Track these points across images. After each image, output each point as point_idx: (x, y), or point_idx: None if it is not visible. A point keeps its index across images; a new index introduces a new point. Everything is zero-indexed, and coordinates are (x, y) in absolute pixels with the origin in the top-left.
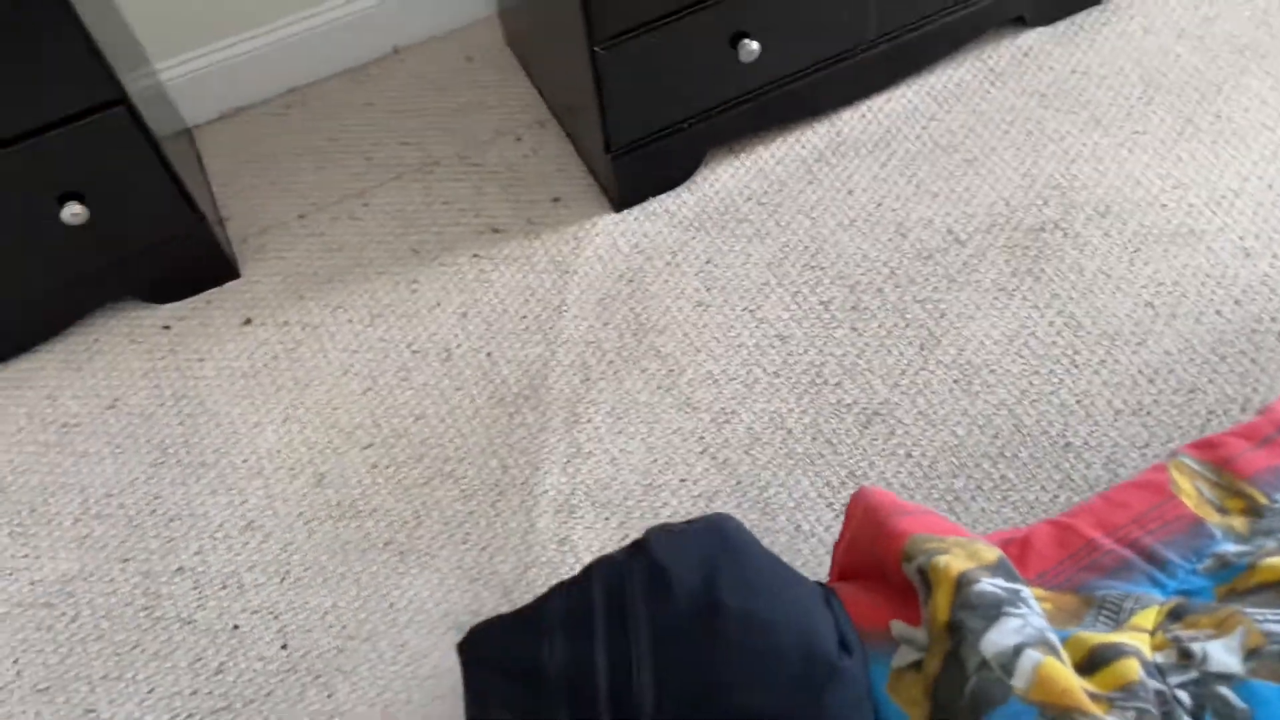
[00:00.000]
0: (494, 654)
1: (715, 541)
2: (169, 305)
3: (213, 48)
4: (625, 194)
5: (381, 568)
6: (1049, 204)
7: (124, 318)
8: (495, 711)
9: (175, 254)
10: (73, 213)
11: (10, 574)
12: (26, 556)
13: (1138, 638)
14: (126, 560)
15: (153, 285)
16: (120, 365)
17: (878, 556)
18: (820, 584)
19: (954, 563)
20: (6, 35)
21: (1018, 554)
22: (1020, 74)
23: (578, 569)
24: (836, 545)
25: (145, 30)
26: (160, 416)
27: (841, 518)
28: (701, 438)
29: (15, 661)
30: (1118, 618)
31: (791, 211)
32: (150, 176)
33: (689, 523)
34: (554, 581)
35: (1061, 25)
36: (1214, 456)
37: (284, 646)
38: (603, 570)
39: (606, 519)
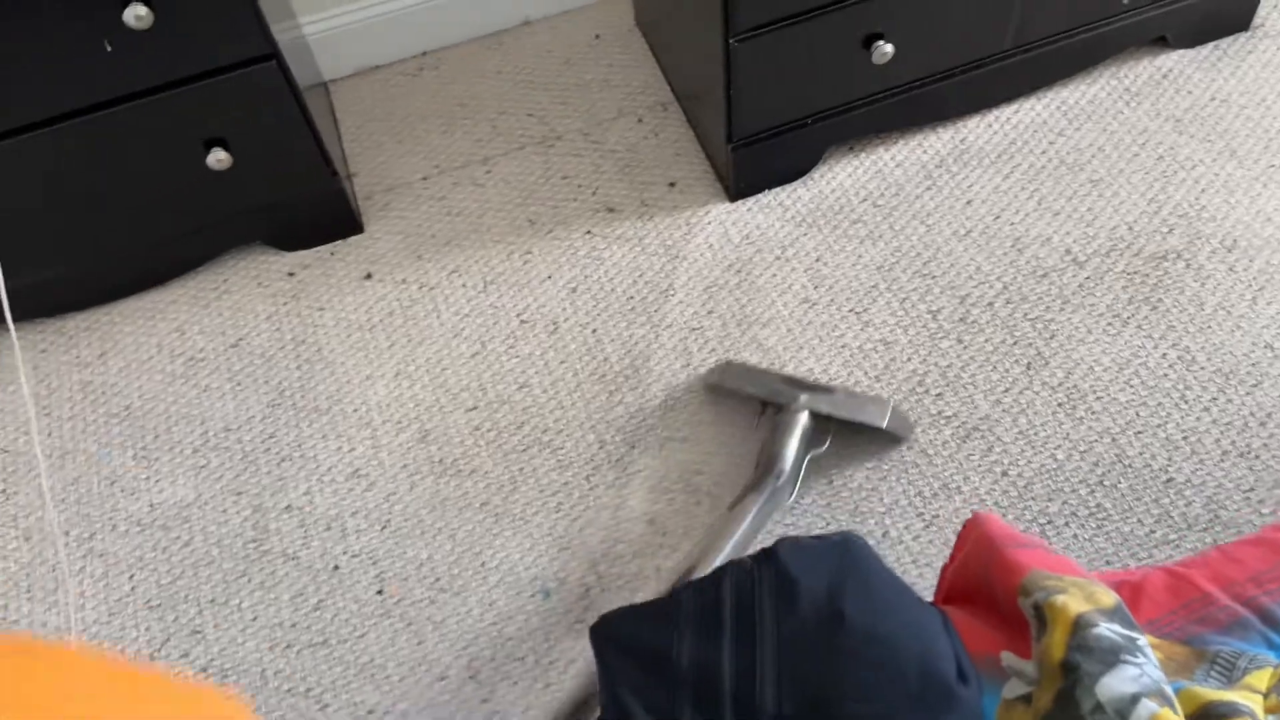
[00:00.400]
0: (627, 640)
1: (842, 557)
2: (295, 253)
3: (356, 6)
4: (741, 184)
5: (477, 527)
6: (1174, 232)
7: (252, 261)
8: (624, 695)
9: (306, 205)
10: (217, 158)
11: (133, 494)
12: (148, 479)
13: (1251, 698)
14: (239, 494)
15: (282, 233)
16: (245, 307)
17: (991, 585)
18: (940, 609)
19: (1071, 603)
20: None
21: (1130, 597)
22: (1157, 96)
23: (664, 549)
24: (946, 567)
25: None
26: (279, 359)
27: (931, 528)
28: None
29: (131, 577)
30: (1230, 675)
31: (906, 216)
32: (292, 130)
33: (818, 537)
34: (640, 558)
35: (1205, 49)
36: None
37: (380, 591)
38: (733, 574)
39: (697, 504)
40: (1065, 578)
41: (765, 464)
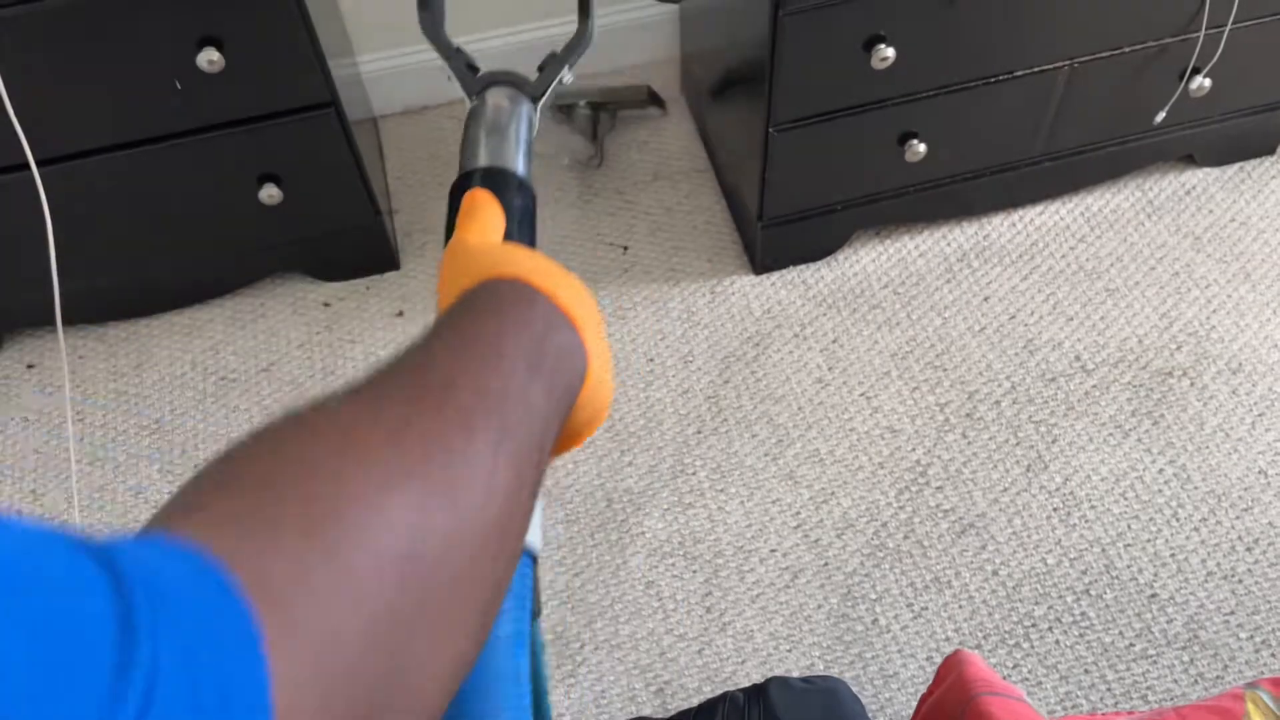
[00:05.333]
0: None
1: (828, 704)
2: (332, 284)
3: (412, 49)
4: (767, 259)
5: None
6: (1182, 349)
7: (291, 288)
8: None
9: (347, 239)
10: (269, 194)
11: (155, 507)
12: (170, 493)
13: None
14: None
15: (321, 264)
16: (280, 332)
17: None
18: None
19: None
20: (246, 29)
21: None
22: (1178, 212)
23: (659, 613)
24: (924, 697)
25: (355, 25)
26: (308, 387)
27: (920, 620)
28: (798, 513)
29: None
30: None
31: (925, 307)
32: (343, 172)
33: (808, 679)
34: (635, 620)
35: (1230, 170)
36: None
37: None
38: (727, 707)
39: (694, 572)
40: None
41: None
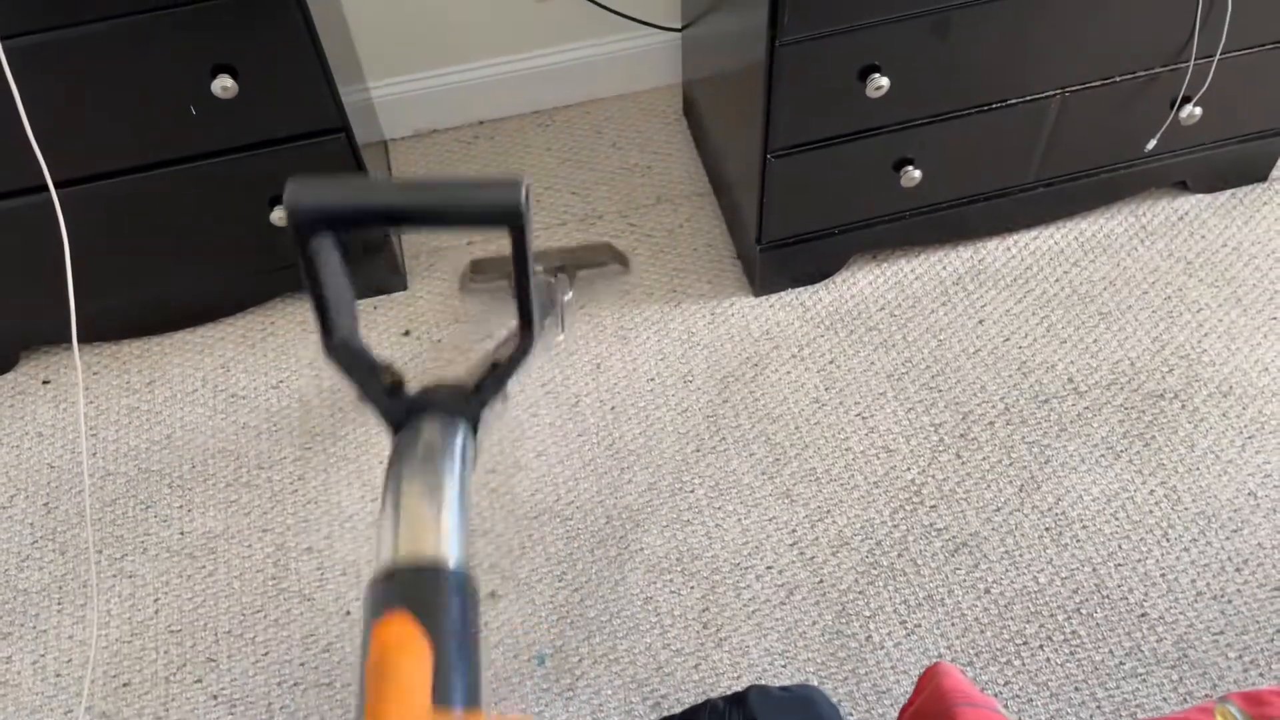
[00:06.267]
0: None
1: (805, 711)
2: None
3: (421, 74)
4: (766, 282)
5: (483, 587)
6: (1173, 372)
7: (300, 308)
8: None
9: (356, 259)
10: (280, 215)
11: (165, 521)
12: (181, 508)
13: None
14: (265, 530)
15: None
16: (289, 351)
17: None
18: None
19: None
20: (259, 57)
21: None
22: (1171, 237)
23: (657, 628)
24: (904, 709)
25: (366, 51)
26: (316, 405)
27: (912, 637)
28: (794, 530)
29: (155, 600)
30: None
31: (920, 329)
32: None
33: (786, 688)
34: (633, 636)
35: (1223, 196)
36: (1259, 714)
37: None
38: (707, 713)
39: (691, 588)
40: None
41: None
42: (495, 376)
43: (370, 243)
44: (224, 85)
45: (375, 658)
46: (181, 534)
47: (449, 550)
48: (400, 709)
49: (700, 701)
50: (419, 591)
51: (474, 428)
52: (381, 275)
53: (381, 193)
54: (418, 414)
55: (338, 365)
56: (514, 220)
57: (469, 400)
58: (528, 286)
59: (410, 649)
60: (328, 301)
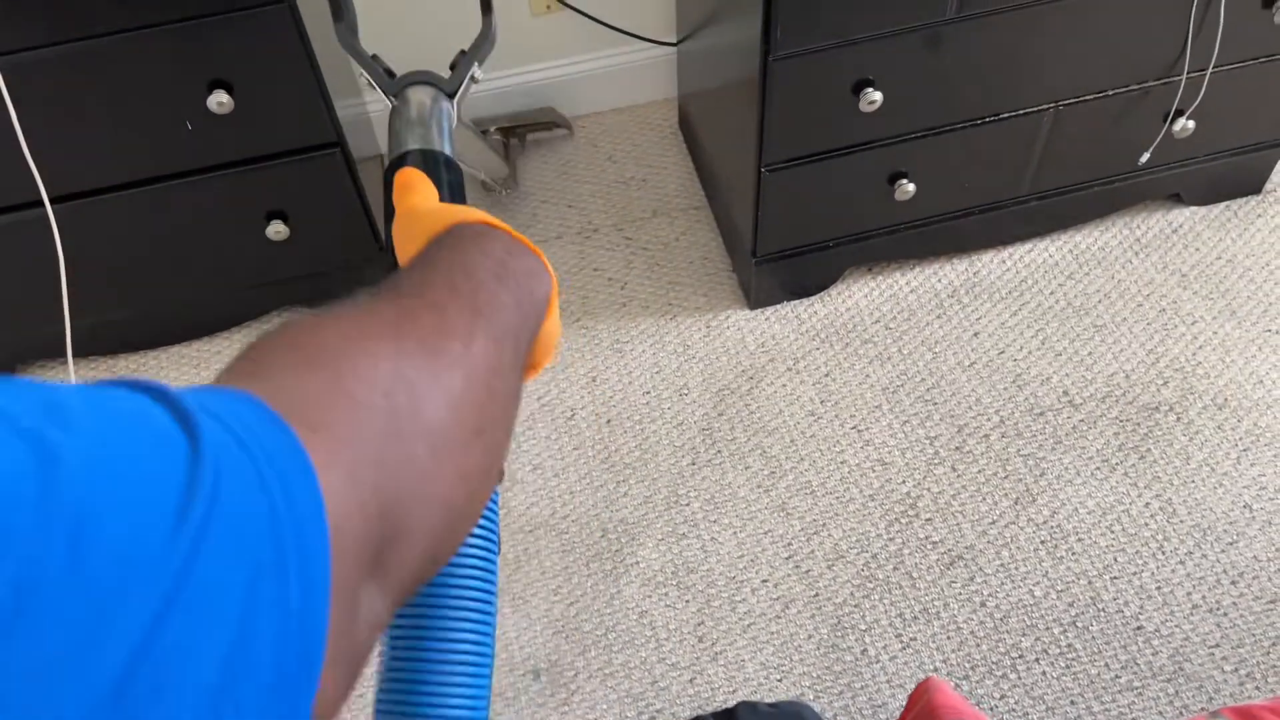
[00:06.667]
0: None
1: None
2: None
3: None
4: (761, 295)
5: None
6: (1168, 385)
7: None
8: None
9: (352, 273)
10: (276, 230)
11: None
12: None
13: None
14: None
15: (325, 297)
16: None
17: None
18: None
19: None
20: (255, 73)
21: None
22: (1165, 250)
23: (652, 642)
24: None
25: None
26: None
27: (908, 650)
28: (789, 544)
29: None
30: None
31: (915, 342)
32: (348, 209)
33: (774, 704)
34: (629, 649)
35: (1216, 209)
36: None
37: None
38: None
39: (687, 602)
40: None
41: None
42: (465, 58)
43: (365, 257)
44: (220, 100)
45: (403, 181)
46: None
47: (443, 147)
48: (420, 197)
49: (691, 718)
50: (426, 161)
51: (451, 99)
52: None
53: None
54: (409, 85)
55: (347, 48)
56: None
57: (448, 78)
58: None
59: (423, 179)
60: None
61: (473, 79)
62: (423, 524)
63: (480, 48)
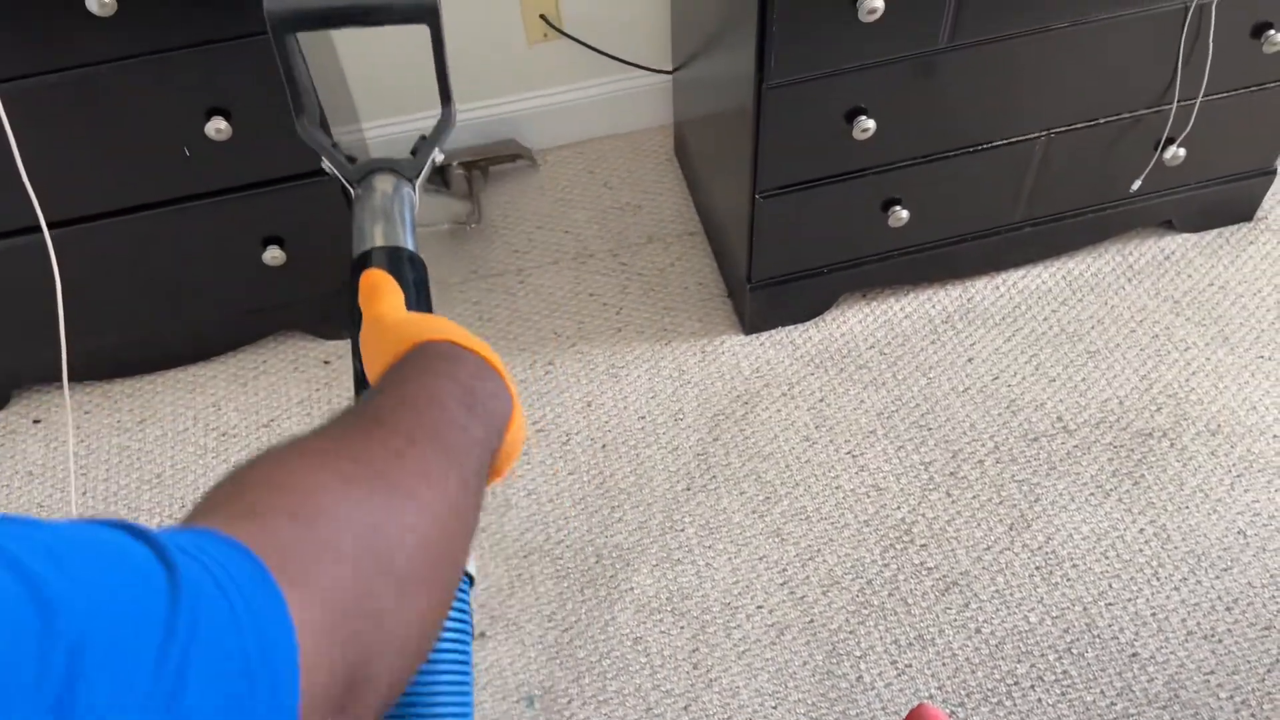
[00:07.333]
0: None
1: None
2: (333, 342)
3: (414, 116)
4: (756, 320)
5: (473, 628)
6: (1162, 411)
7: (292, 346)
8: None
9: (348, 298)
10: (273, 255)
11: None
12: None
13: None
14: None
15: (322, 323)
16: (280, 389)
17: None
18: None
19: None
20: (253, 100)
21: None
22: (1158, 276)
23: (647, 669)
24: None
25: (361, 93)
26: None
27: (903, 677)
28: (784, 569)
29: None
30: None
31: (910, 367)
32: (344, 234)
33: None
34: (622, 676)
35: (1209, 235)
36: None
37: None
38: None
39: (681, 628)
40: None
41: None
42: (426, 144)
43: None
44: (218, 128)
45: (369, 284)
46: None
47: (407, 242)
48: (388, 305)
49: None
50: (390, 260)
51: (413, 184)
52: None
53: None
54: (371, 173)
55: (309, 140)
56: (432, 18)
57: (409, 161)
58: (445, 71)
59: (388, 281)
60: (299, 88)
61: (433, 162)
62: (387, 667)
63: (441, 134)
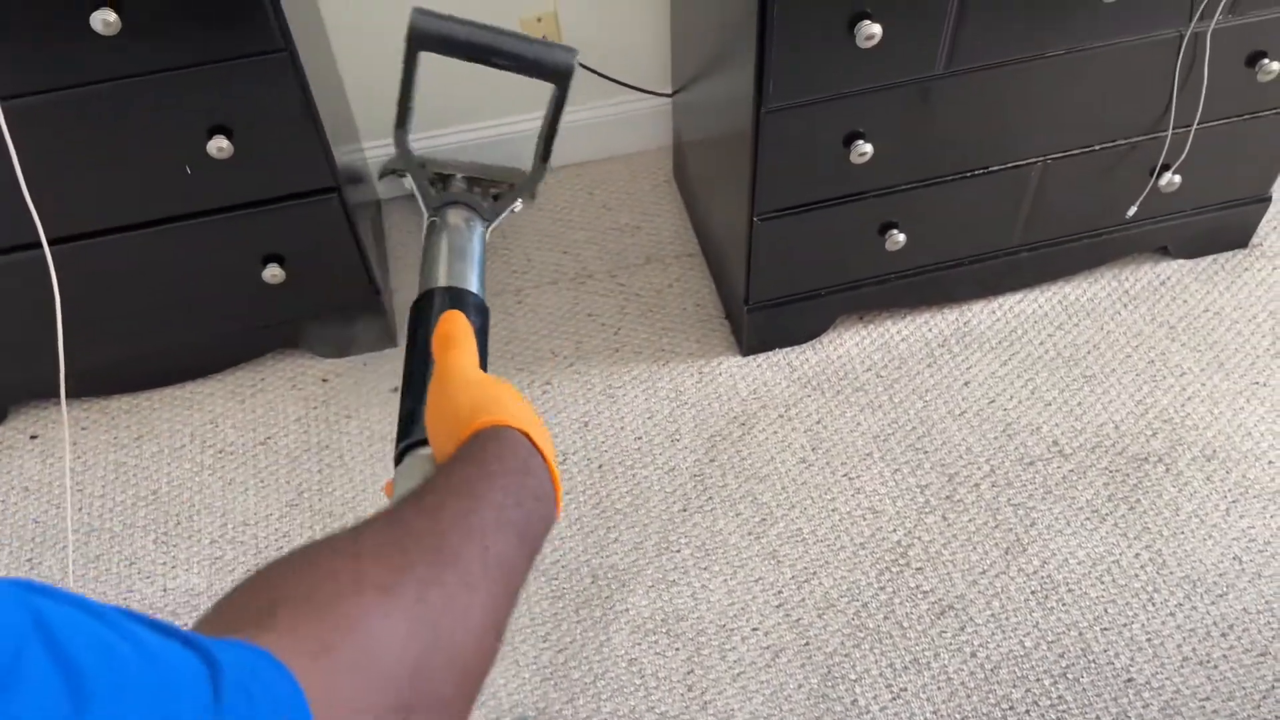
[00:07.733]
0: None
1: None
2: (331, 360)
3: (417, 136)
4: (753, 342)
5: None
6: (1157, 436)
7: (290, 364)
8: None
9: (346, 317)
10: (272, 273)
11: (149, 577)
12: (164, 564)
13: None
14: None
15: (320, 340)
16: (278, 407)
17: None
18: None
19: None
20: (255, 119)
21: None
22: (1154, 302)
23: (641, 690)
24: None
25: (362, 112)
26: (303, 461)
27: (898, 701)
28: (780, 591)
29: None
30: None
31: (906, 390)
32: (344, 253)
33: None
34: (617, 698)
35: (1204, 262)
36: None
37: None
38: None
39: (676, 650)
40: None
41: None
42: (510, 193)
43: (359, 301)
44: (219, 146)
45: (447, 330)
46: (165, 591)
47: (475, 286)
48: (465, 360)
49: None
50: (461, 302)
51: (486, 228)
52: (371, 333)
53: (479, 33)
54: (450, 206)
55: (401, 153)
56: (564, 80)
57: (489, 206)
58: (555, 131)
59: (468, 331)
60: (410, 104)
61: (511, 210)
62: None
63: (527, 186)
